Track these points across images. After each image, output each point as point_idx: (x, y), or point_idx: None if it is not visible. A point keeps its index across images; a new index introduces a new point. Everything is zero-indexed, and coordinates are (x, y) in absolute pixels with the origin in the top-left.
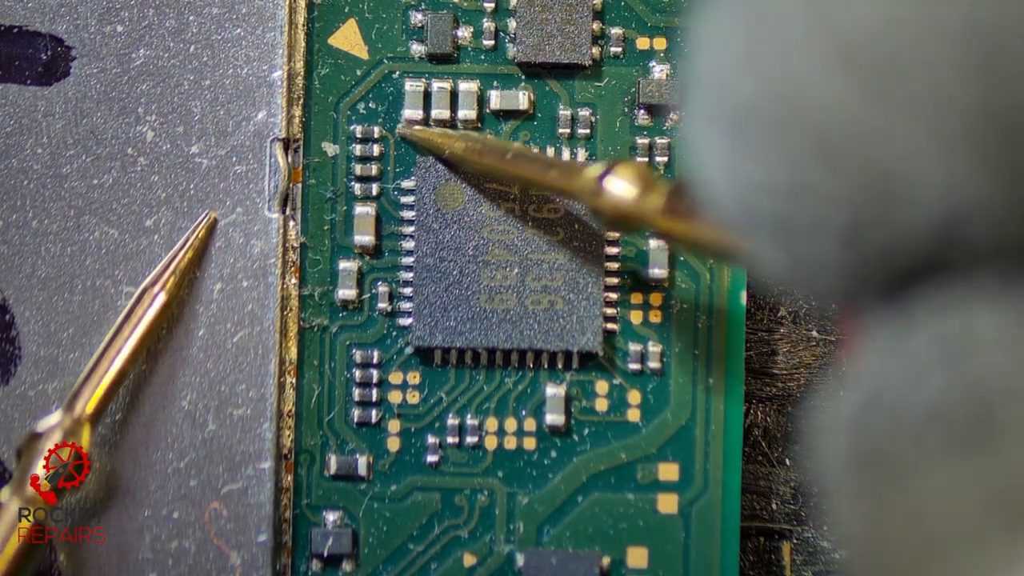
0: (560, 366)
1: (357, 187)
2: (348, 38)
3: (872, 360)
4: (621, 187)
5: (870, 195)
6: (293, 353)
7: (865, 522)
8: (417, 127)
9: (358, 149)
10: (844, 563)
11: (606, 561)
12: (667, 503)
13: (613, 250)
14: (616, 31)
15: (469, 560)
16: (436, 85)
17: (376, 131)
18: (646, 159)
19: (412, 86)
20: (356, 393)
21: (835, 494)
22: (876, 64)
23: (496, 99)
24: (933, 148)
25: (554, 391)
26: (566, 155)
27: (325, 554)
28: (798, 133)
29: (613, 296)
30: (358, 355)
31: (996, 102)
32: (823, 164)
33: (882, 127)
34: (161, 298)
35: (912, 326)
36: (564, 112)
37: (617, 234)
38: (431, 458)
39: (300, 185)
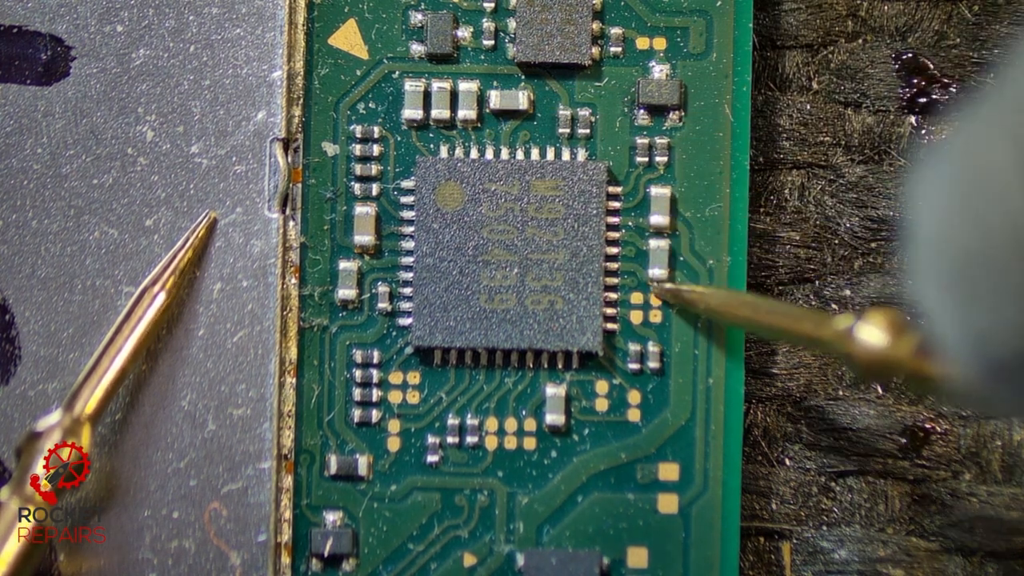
0: (560, 366)
1: (357, 187)
2: (348, 38)
3: None
4: (873, 334)
5: None
6: (293, 353)
7: None
8: (668, 285)
9: (358, 149)
10: None
11: (606, 561)
12: (667, 503)
13: (613, 250)
14: (616, 31)
15: (469, 560)
16: (436, 85)
17: (376, 131)
18: (646, 159)
19: (412, 86)
20: (356, 393)
21: None
22: None
23: (496, 99)
24: None
25: (554, 391)
26: (566, 155)
27: (325, 554)
28: None
29: (613, 296)
30: (358, 355)
31: None
32: None
33: None
34: (161, 298)
35: None
36: (564, 112)
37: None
38: (431, 458)
39: (300, 185)
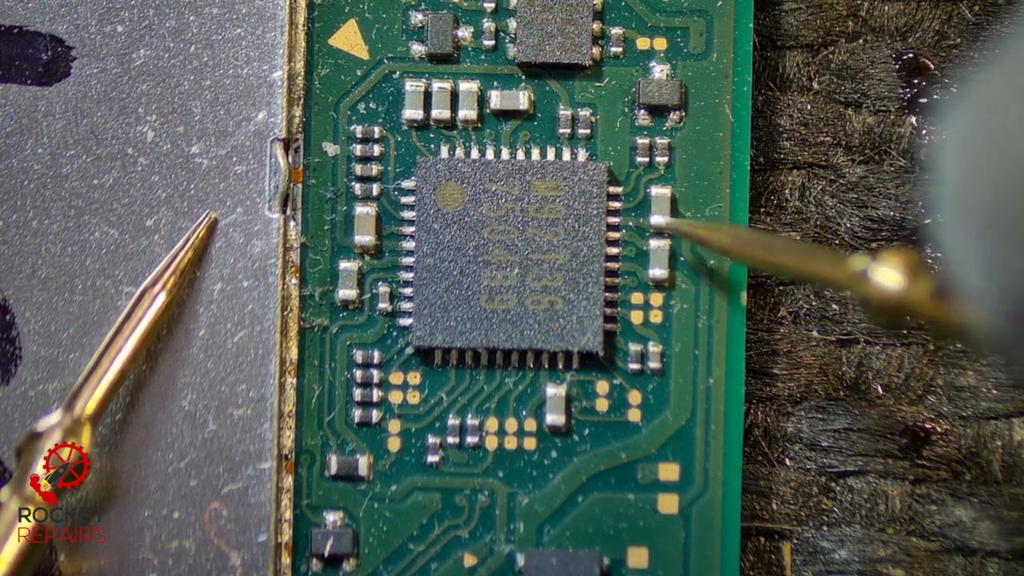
0: (560, 366)
1: (357, 187)
2: (348, 38)
3: None
4: (889, 275)
5: None
6: (293, 353)
7: None
8: (684, 221)
9: (358, 149)
10: None
11: (606, 561)
12: (667, 503)
13: (613, 250)
14: (616, 31)
15: (469, 560)
16: (436, 85)
17: (376, 131)
18: (646, 159)
19: (412, 86)
20: (356, 393)
21: None
22: None
23: (496, 99)
24: None
25: (554, 391)
26: (566, 155)
27: (325, 554)
28: None
29: (613, 296)
30: (358, 355)
31: None
32: None
33: None
34: (161, 298)
35: None
36: (564, 112)
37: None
38: (431, 458)
39: (300, 185)
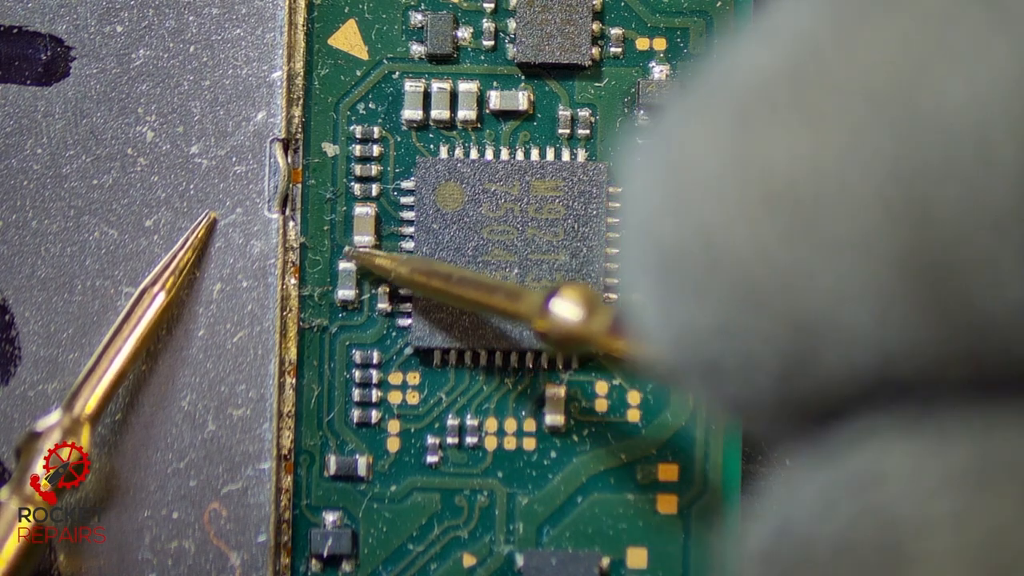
0: (560, 366)
1: (357, 187)
2: (348, 38)
3: (785, 490)
4: (567, 309)
5: (796, 339)
6: (293, 353)
7: None
8: (363, 249)
9: (358, 149)
10: None
11: (606, 561)
12: (667, 503)
13: (613, 250)
14: (616, 31)
15: (469, 561)
16: (436, 85)
17: (376, 131)
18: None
19: (412, 86)
20: (356, 394)
21: None
22: (796, 207)
23: (496, 99)
24: (858, 292)
25: (554, 391)
26: (566, 155)
27: (325, 554)
28: (720, 277)
29: (613, 297)
30: (358, 355)
31: (921, 247)
32: (746, 308)
33: (805, 271)
34: (161, 298)
35: (826, 457)
36: (564, 112)
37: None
38: (431, 458)
39: (300, 185)
